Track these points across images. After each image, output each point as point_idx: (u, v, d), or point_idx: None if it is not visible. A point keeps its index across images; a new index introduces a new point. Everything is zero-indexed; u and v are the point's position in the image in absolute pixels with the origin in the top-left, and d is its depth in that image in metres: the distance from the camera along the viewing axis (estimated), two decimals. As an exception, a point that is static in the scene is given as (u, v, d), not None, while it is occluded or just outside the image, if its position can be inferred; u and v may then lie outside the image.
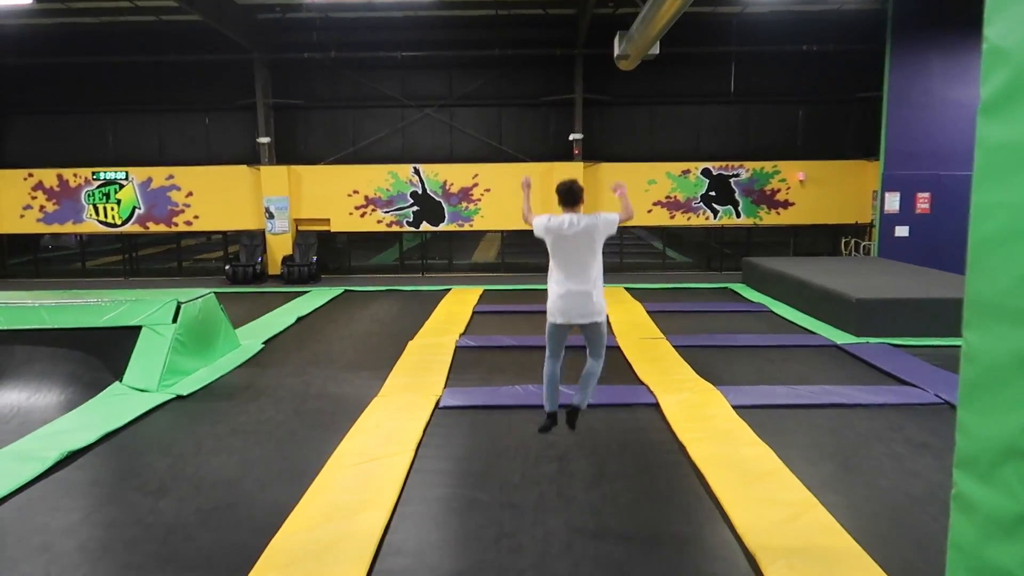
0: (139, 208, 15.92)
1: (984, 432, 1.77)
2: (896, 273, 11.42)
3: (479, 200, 15.89)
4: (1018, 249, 1.74)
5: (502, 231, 16.58)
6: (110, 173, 15.85)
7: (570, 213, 4.51)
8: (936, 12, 13.45)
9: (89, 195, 15.87)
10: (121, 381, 7.08)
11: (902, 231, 14.05)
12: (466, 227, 16.09)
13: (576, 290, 4.43)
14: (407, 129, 16.34)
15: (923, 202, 13.96)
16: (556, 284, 4.51)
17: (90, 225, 15.99)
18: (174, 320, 7.57)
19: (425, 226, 16.05)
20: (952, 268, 12.27)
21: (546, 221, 4.54)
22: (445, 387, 7.16)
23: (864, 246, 15.39)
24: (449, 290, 13.66)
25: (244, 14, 14.51)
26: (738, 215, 16.14)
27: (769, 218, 16.12)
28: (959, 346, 6.85)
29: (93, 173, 15.84)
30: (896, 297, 9.40)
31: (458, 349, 8.84)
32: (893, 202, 14.02)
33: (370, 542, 4.05)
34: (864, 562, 3.80)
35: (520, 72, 16.04)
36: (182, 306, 7.70)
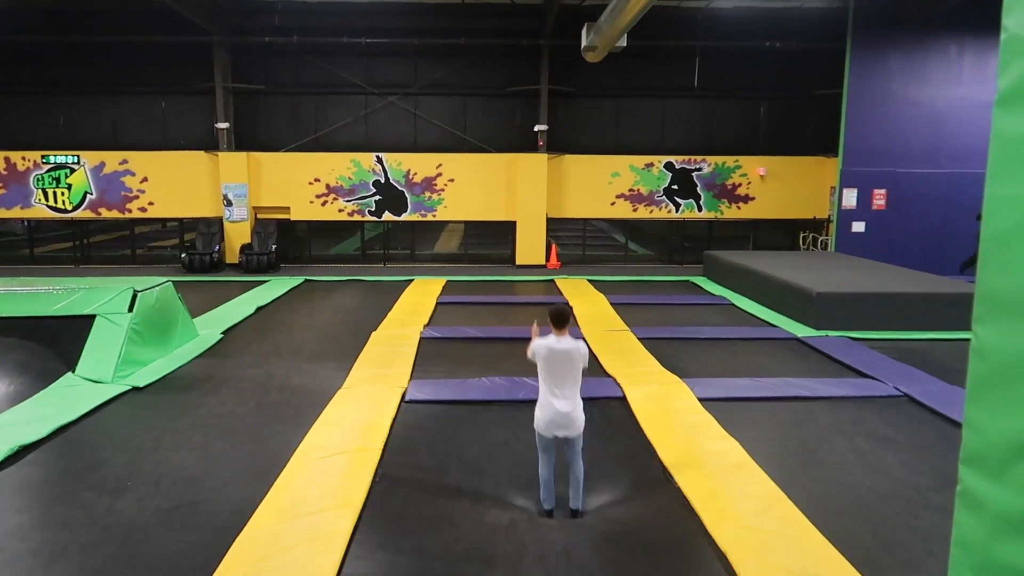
0: (91, 193, 15.42)
1: (995, 429, 1.75)
2: (854, 268, 11.64)
3: (443, 190, 15.75)
4: (1035, 243, 1.72)
5: (465, 221, 16.47)
6: (61, 157, 15.32)
7: (559, 335, 4.86)
8: (895, 13, 13.70)
9: (38, 179, 15.32)
10: (74, 372, 6.85)
11: (859, 227, 14.33)
12: (429, 217, 15.94)
13: (561, 408, 4.76)
14: (370, 117, 16.11)
15: (879, 198, 14.24)
16: (546, 399, 4.87)
17: (39, 210, 15.44)
18: (130, 309, 7.34)
19: (387, 216, 15.86)
20: (907, 263, 12.56)
21: (542, 342, 4.88)
22: (411, 379, 7.08)
23: (821, 241, 15.67)
24: (412, 280, 13.52)
25: (203, -5, 14.11)
26: (700, 209, 16.28)
27: (730, 212, 16.30)
28: (916, 340, 7.00)
29: (43, 156, 15.29)
30: (855, 291, 9.57)
31: (422, 340, 8.76)
32: (850, 198, 14.28)
33: (339, 540, 3.97)
34: (831, 555, 3.85)
35: (486, 62, 15.91)
36: (138, 295, 7.48)
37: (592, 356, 7.96)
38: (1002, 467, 1.74)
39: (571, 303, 11.04)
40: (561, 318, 4.92)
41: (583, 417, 4.86)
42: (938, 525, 4.28)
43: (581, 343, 4.90)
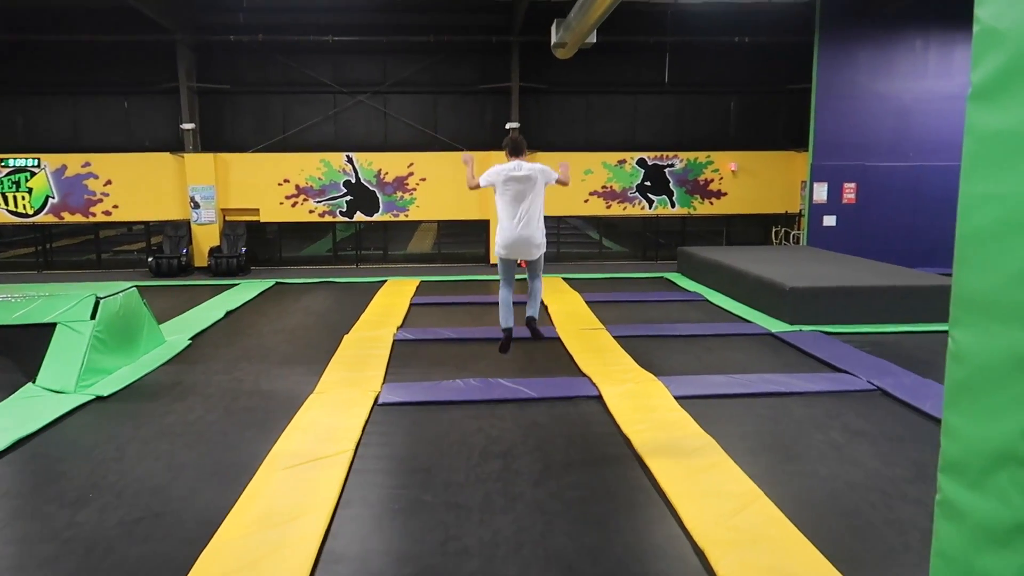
0: (53, 197, 15.06)
1: (974, 436, 1.69)
2: (825, 261, 11.71)
3: (414, 189, 15.62)
4: (1012, 243, 1.67)
5: (438, 221, 16.35)
6: (20, 160, 14.93)
7: (516, 160, 5.34)
8: (862, 7, 13.83)
9: (-3, 183, 14.93)
10: (35, 382, 6.64)
11: (830, 220, 14.44)
12: (401, 217, 15.80)
13: (522, 232, 5.24)
14: (340, 116, 15.92)
15: (849, 192, 14.37)
16: (505, 224, 5.30)
17: (-1, 215, 15.06)
18: (92, 316, 7.13)
19: (359, 216, 15.69)
20: (877, 256, 12.67)
21: (497, 168, 5.33)
22: (384, 382, 6.96)
23: (793, 235, 15.77)
24: (385, 282, 13.38)
25: (165, -7, 13.83)
26: (672, 205, 16.31)
27: (703, 208, 16.35)
28: (888, 332, 7.04)
29: (1, 160, 14.89)
30: (827, 285, 9.61)
31: (396, 342, 8.64)
32: (821, 192, 14.39)
33: (309, 550, 3.86)
34: (810, 552, 3.82)
35: (456, 59, 15.80)
36: (101, 301, 7.27)
37: (567, 355, 7.99)
38: (982, 476, 1.69)
39: (546, 301, 10.99)
40: (516, 146, 5.31)
41: (544, 241, 5.40)
42: (914, 517, 4.28)
43: (541, 165, 5.31)
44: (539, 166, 5.34)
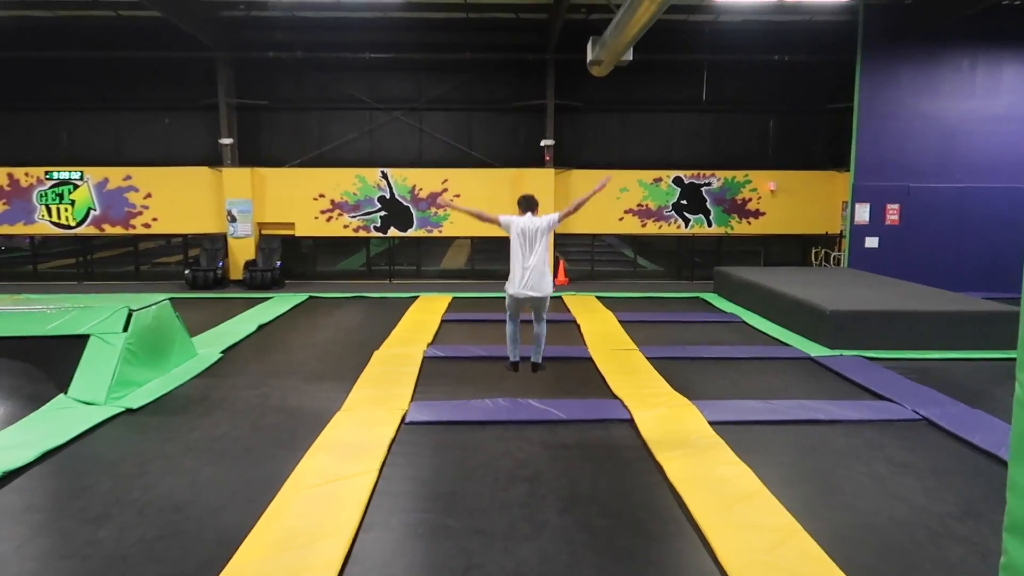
0: (94, 209, 15.35)
1: None
2: (868, 284, 11.38)
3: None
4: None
5: (471, 237, 16.31)
6: (64, 173, 15.26)
7: (529, 215, 6.20)
8: (905, 26, 13.53)
9: (42, 195, 15.26)
10: (66, 394, 6.66)
11: (872, 242, 14.08)
12: (435, 233, 15.79)
13: (531, 274, 6.01)
14: (375, 132, 16.01)
15: (892, 213, 14.00)
16: (516, 267, 6.08)
17: (42, 226, 15.38)
18: (125, 328, 7.17)
19: (393, 231, 15.72)
20: (921, 280, 12.30)
21: (514, 218, 6.20)
22: (412, 400, 6.87)
23: (834, 256, 15.41)
24: (417, 297, 13.34)
25: (206, 11, 14.06)
26: (709, 224, 16.07)
27: (740, 227, 16.08)
28: (934, 359, 6.74)
29: (46, 173, 15.24)
30: (870, 309, 9.31)
31: (426, 359, 8.55)
32: (863, 213, 14.04)
33: (328, 574, 3.75)
34: (852, 594, 3.61)
35: (491, 76, 15.81)
36: (133, 314, 7.31)
37: (599, 376, 7.82)
38: None
39: (579, 320, 10.84)
40: (528, 204, 6.28)
41: (551, 282, 6.18)
42: (964, 557, 4.03)
43: (549, 215, 6.13)
44: (547, 217, 6.16)
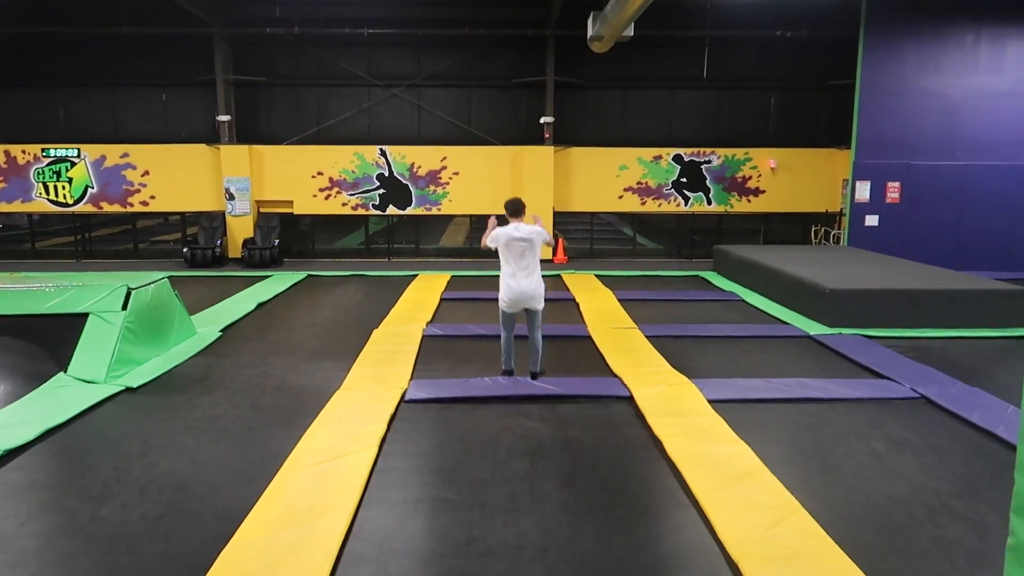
0: (92, 187, 15.28)
1: None
2: (867, 263, 11.37)
3: (447, 183, 15.54)
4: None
5: (471, 215, 16.26)
6: (61, 150, 15.17)
7: (516, 221, 6.01)
8: (908, 1, 13.39)
9: (39, 173, 15.18)
10: (66, 372, 6.67)
11: (872, 220, 14.04)
12: (434, 211, 15.74)
13: (523, 284, 5.91)
14: (374, 109, 15.90)
15: (893, 191, 13.95)
16: (507, 279, 5.98)
17: (40, 204, 15.32)
18: (124, 307, 7.16)
19: (392, 210, 15.66)
20: (921, 258, 12.28)
21: (499, 231, 6.03)
22: (411, 378, 6.88)
23: (834, 235, 15.38)
24: (416, 276, 13.33)
25: (203, -14, 13.90)
26: (709, 202, 16.02)
27: (740, 205, 16.03)
28: (933, 338, 6.73)
29: (43, 150, 15.15)
30: (869, 288, 9.31)
31: (425, 338, 8.56)
32: (864, 191, 13.98)
33: (330, 551, 3.77)
34: (850, 570, 3.63)
35: (491, 52, 15.67)
36: (133, 292, 7.29)
37: (598, 355, 7.83)
38: None
39: (578, 299, 10.84)
40: (514, 208, 6.04)
41: (544, 291, 6.05)
42: (962, 535, 4.06)
43: (538, 227, 5.96)
44: (536, 228, 6.07)
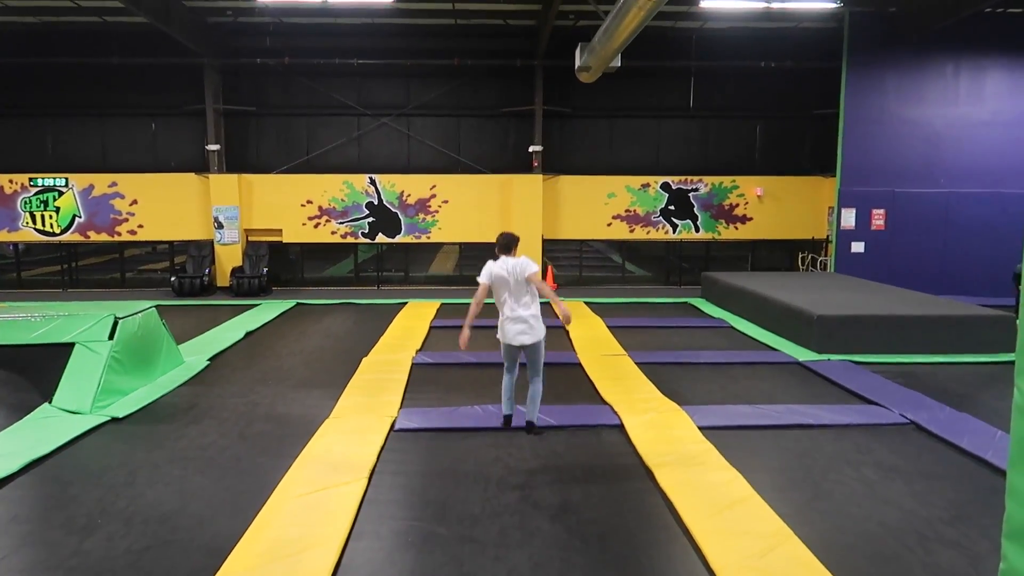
0: (79, 216, 15.23)
1: None
2: (854, 289, 11.45)
3: (437, 212, 15.59)
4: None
5: (460, 243, 16.29)
6: (48, 179, 15.13)
7: (505, 257, 5.75)
8: (890, 33, 13.67)
9: (26, 202, 15.13)
10: (51, 403, 6.59)
11: (858, 247, 14.17)
12: (423, 239, 15.76)
13: (515, 320, 5.66)
14: (363, 138, 15.98)
15: (878, 218, 14.10)
16: (503, 314, 5.77)
17: (27, 233, 15.24)
18: (110, 336, 7.10)
19: (381, 238, 15.68)
20: (906, 284, 12.38)
21: (489, 268, 5.75)
22: (401, 407, 6.84)
23: (820, 261, 15.50)
24: (405, 304, 13.31)
25: (193, 16, 14.00)
26: (697, 229, 16.13)
27: (727, 233, 16.15)
28: (920, 363, 6.75)
29: (30, 179, 15.11)
30: (857, 314, 9.36)
31: (414, 366, 8.53)
32: (849, 218, 14.13)
33: (318, 585, 3.72)
34: (843, 599, 3.61)
35: (479, 82, 15.82)
36: (119, 321, 7.24)
37: (588, 382, 7.81)
38: None
39: (567, 326, 10.80)
40: (504, 244, 5.80)
41: (543, 327, 5.80)
42: (953, 562, 4.05)
43: (524, 258, 5.74)
44: (528, 265, 5.69)
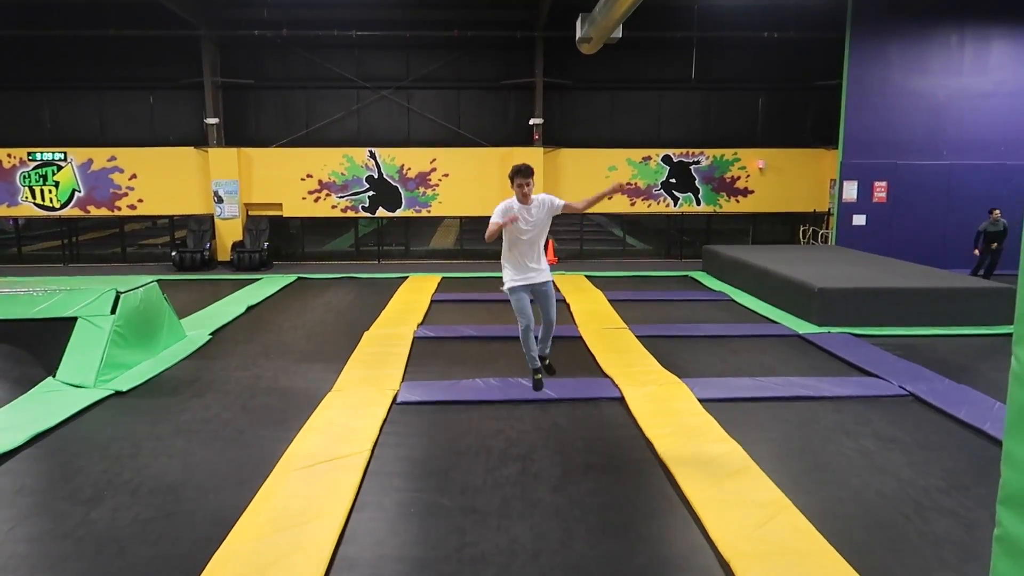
0: (79, 191, 15.19)
1: None
2: (855, 262, 11.45)
3: (437, 185, 15.54)
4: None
5: (460, 217, 16.26)
6: (47, 154, 15.07)
7: (522, 191, 5.22)
8: (894, 3, 13.51)
9: (25, 177, 15.08)
10: (55, 377, 6.63)
11: (859, 220, 14.14)
12: (424, 213, 15.73)
13: (531, 262, 5.38)
14: (363, 111, 15.88)
15: (880, 191, 14.05)
16: (511, 258, 5.41)
17: (26, 208, 15.21)
18: (113, 311, 7.12)
19: (381, 212, 15.64)
20: (908, 257, 12.37)
21: (505, 208, 5.26)
22: (403, 381, 6.88)
23: (822, 234, 15.47)
24: (406, 277, 13.32)
25: (190, -12, 13.84)
26: (698, 202, 16.08)
27: (729, 206, 16.10)
28: (920, 336, 6.77)
29: (29, 154, 15.04)
30: (857, 286, 9.37)
31: (416, 340, 8.56)
32: (851, 191, 14.08)
33: (322, 554, 3.77)
34: (840, 566, 3.66)
35: (479, 54, 15.68)
36: (121, 296, 7.26)
37: (590, 355, 7.85)
38: None
39: (568, 300, 10.85)
40: (520, 174, 5.21)
41: (548, 268, 5.55)
42: (950, 530, 4.10)
43: (545, 196, 5.35)
44: (548, 201, 5.34)
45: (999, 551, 1.63)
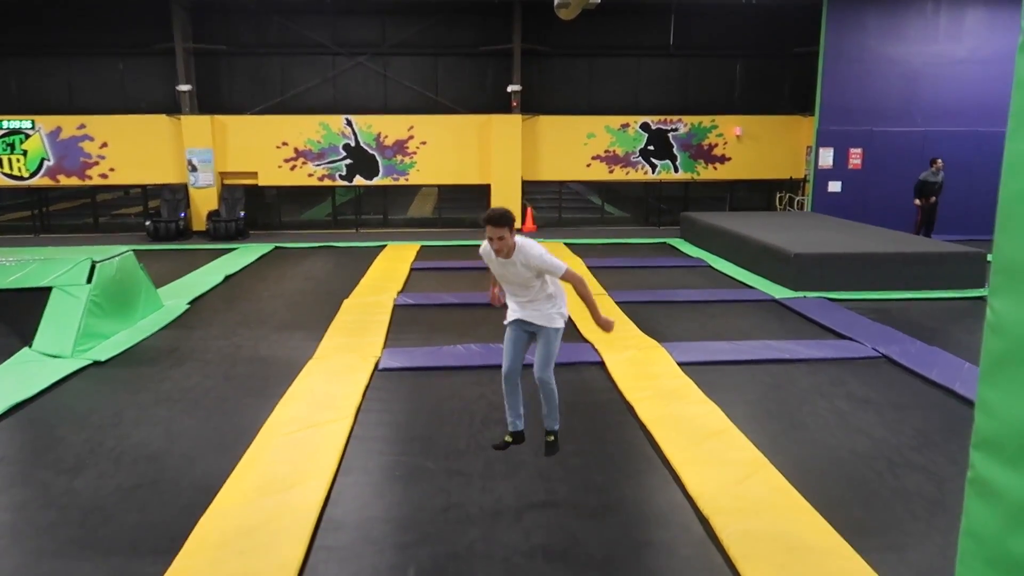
0: (48, 160, 14.86)
1: (1012, 411, 1.57)
2: (830, 228, 11.58)
3: (415, 153, 15.41)
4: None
5: (438, 185, 16.17)
6: (14, 122, 14.70)
7: (495, 249, 4.11)
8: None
9: (-8, 145, 14.73)
10: (31, 347, 6.57)
11: (835, 186, 14.27)
12: (401, 181, 15.61)
13: (520, 301, 4.30)
14: (339, 78, 15.65)
15: (855, 158, 14.17)
16: (509, 300, 4.43)
17: (-6, 178, 14.88)
18: (88, 280, 7.04)
19: (359, 180, 15.50)
20: (882, 223, 12.52)
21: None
22: (384, 348, 6.89)
23: (798, 201, 15.60)
24: (385, 246, 13.26)
25: (159, -50, 13.48)
26: (676, 170, 16.11)
27: (706, 173, 16.16)
28: (893, 299, 6.91)
29: (-5, 121, 14.69)
30: (832, 252, 9.51)
31: (396, 308, 8.56)
32: (827, 157, 14.19)
33: (308, 517, 3.81)
34: (815, 521, 3.77)
35: (457, 20, 15.47)
36: (97, 265, 7.17)
37: (570, 321, 7.88)
38: (1020, 453, 1.57)
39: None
40: (491, 221, 4.00)
41: (556, 316, 4.34)
42: (920, 486, 4.23)
43: (535, 257, 4.06)
44: (532, 258, 4.09)
45: (971, 492, 1.70)
